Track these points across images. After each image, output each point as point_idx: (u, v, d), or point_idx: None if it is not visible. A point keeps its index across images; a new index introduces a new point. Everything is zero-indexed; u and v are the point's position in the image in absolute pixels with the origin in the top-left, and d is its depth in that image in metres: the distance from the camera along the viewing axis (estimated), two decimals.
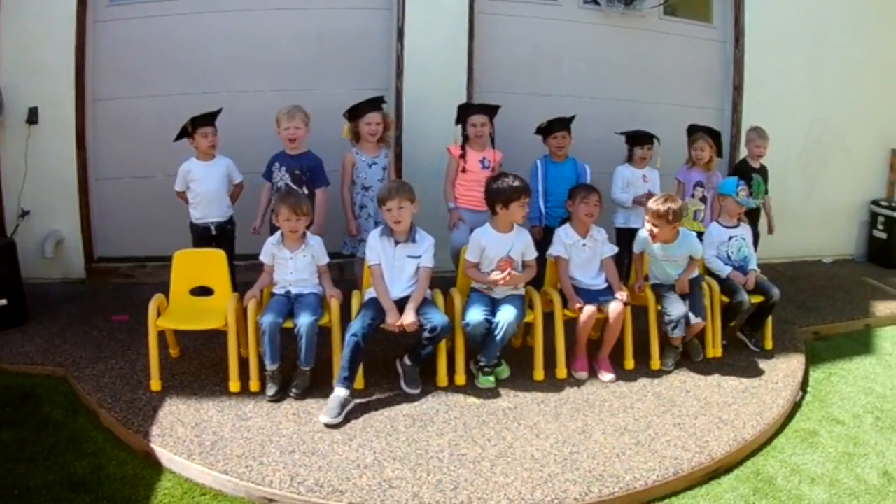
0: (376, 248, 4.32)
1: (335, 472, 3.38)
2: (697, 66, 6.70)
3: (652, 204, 4.61)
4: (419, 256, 4.31)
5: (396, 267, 4.31)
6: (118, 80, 5.86)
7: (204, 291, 4.61)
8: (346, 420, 3.86)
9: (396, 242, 4.30)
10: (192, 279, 4.57)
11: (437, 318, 4.13)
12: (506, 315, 4.22)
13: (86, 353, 4.67)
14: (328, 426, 3.79)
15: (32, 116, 5.68)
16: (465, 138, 5.25)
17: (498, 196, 4.39)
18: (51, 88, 5.66)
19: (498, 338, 4.21)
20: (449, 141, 5.33)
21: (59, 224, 5.93)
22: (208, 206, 5.04)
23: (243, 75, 5.91)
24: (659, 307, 4.65)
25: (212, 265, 4.56)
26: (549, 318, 4.50)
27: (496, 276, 4.35)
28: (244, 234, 5.16)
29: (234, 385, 4.15)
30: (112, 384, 4.25)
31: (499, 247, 4.42)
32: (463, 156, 5.20)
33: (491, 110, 5.27)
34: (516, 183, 4.38)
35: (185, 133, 4.98)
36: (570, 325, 4.51)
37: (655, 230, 4.60)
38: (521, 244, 4.47)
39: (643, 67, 6.49)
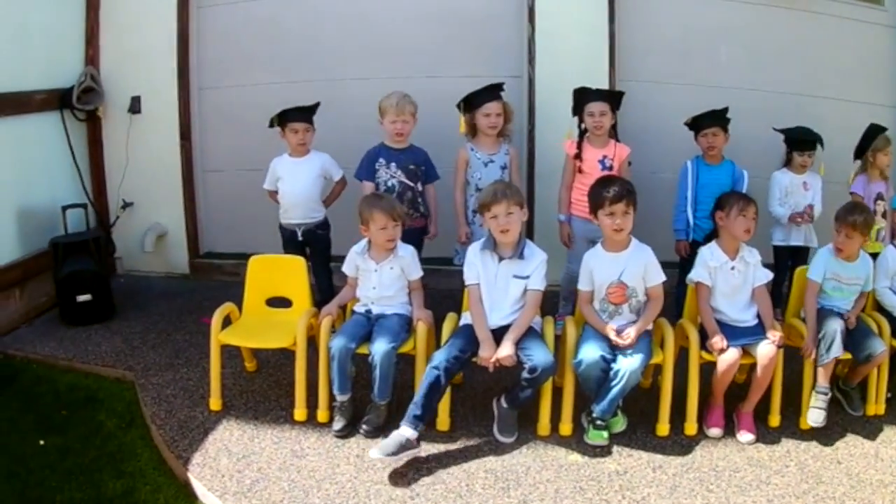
0: (476, 265, 3.64)
1: None
2: (870, 56, 5.54)
3: (842, 212, 3.82)
4: (527, 277, 3.58)
5: (499, 288, 3.60)
6: (224, 67, 5.58)
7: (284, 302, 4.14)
8: (416, 471, 3.22)
9: (501, 258, 3.60)
10: (269, 288, 4.09)
11: (540, 355, 3.40)
12: (628, 362, 3.41)
13: (160, 358, 4.39)
14: (384, 466, 3.21)
15: (135, 106, 5.52)
16: (583, 132, 4.48)
17: (589, 204, 3.71)
18: (153, 77, 5.47)
19: (616, 389, 3.42)
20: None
21: (163, 217, 5.75)
22: (294, 207, 4.56)
23: (357, 61, 5.43)
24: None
25: (290, 273, 4.05)
26: (683, 355, 3.67)
27: (610, 334, 3.54)
28: (344, 237, 4.55)
29: (299, 413, 3.66)
30: (173, 397, 3.92)
31: (607, 269, 3.62)
32: (579, 155, 4.43)
33: (613, 98, 4.46)
34: (612, 188, 3.56)
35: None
36: (709, 368, 3.64)
37: (846, 243, 3.79)
38: (636, 266, 3.61)
39: (807, 56, 5.43)
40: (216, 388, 3.77)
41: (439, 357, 3.41)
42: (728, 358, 3.54)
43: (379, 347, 3.47)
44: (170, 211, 5.71)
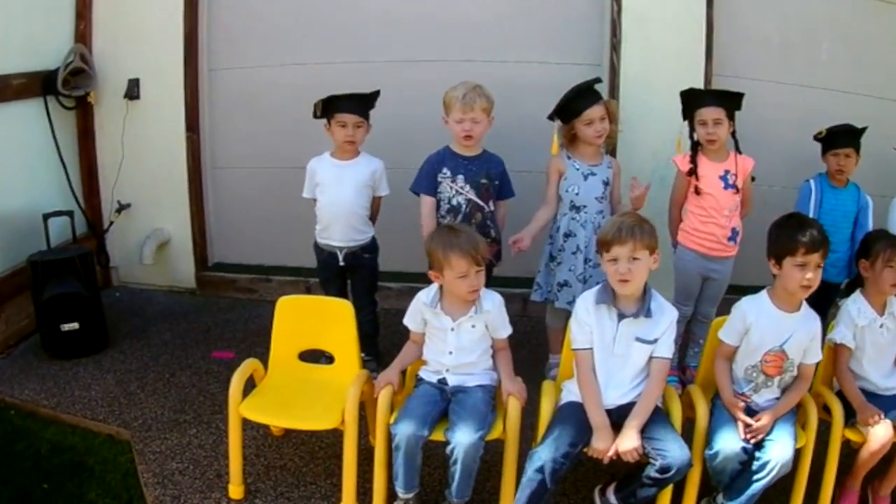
0: (587, 323, 2.77)
1: None
2: None
3: None
4: (654, 341, 2.72)
5: (618, 355, 2.75)
6: (241, 45, 4.75)
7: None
8: None
9: (621, 315, 2.73)
10: (304, 339, 3.18)
11: (675, 451, 2.55)
12: (779, 452, 2.63)
13: (162, 411, 3.57)
14: None
15: (132, 90, 4.70)
16: (696, 143, 3.63)
17: (772, 245, 2.86)
18: (155, 56, 4.67)
19: (760, 483, 2.63)
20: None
21: (165, 222, 4.96)
22: (334, 223, 3.66)
23: (405, 40, 4.59)
24: None
25: (333, 321, 3.14)
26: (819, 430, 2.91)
27: (740, 425, 2.75)
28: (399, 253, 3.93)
29: None
30: (181, 473, 3.10)
31: (773, 331, 2.81)
32: (693, 171, 3.56)
33: (730, 100, 3.58)
34: (809, 231, 2.74)
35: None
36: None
37: None
38: (804, 335, 2.81)
39: None
40: (236, 470, 2.92)
41: (544, 454, 2.54)
42: (883, 434, 2.82)
43: (462, 438, 2.59)
44: (173, 215, 4.93)
